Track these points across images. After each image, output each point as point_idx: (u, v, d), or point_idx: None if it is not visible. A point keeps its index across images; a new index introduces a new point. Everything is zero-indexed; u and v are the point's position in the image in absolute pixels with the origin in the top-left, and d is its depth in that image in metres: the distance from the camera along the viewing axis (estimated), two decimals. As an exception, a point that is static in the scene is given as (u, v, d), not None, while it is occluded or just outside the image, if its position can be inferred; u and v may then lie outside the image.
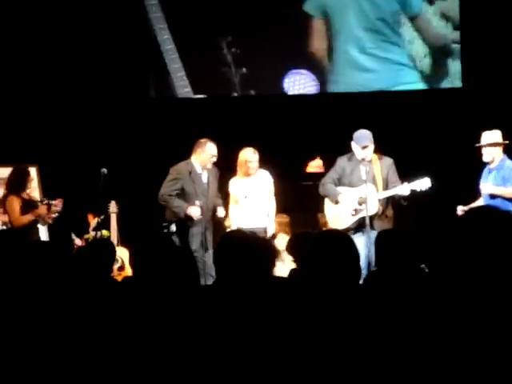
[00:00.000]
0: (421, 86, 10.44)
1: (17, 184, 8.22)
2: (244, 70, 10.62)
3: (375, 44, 10.43)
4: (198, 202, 7.85)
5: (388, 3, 10.41)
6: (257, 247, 3.60)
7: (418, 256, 4.35)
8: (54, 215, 8.27)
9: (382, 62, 10.45)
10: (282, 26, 10.50)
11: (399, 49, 10.42)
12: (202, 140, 8.11)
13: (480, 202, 7.77)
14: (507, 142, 7.84)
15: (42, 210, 8.14)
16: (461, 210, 7.54)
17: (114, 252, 4.88)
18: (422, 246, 4.32)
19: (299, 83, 10.67)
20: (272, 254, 3.69)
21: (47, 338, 3.42)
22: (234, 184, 8.39)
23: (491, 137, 7.80)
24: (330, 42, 10.56)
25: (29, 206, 8.17)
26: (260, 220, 8.25)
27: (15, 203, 8.07)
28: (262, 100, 10.54)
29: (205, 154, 8.07)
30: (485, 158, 7.81)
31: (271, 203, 8.39)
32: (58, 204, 8.22)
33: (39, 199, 8.69)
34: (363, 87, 10.46)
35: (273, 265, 3.81)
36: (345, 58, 10.50)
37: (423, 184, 7.56)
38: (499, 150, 7.82)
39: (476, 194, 7.92)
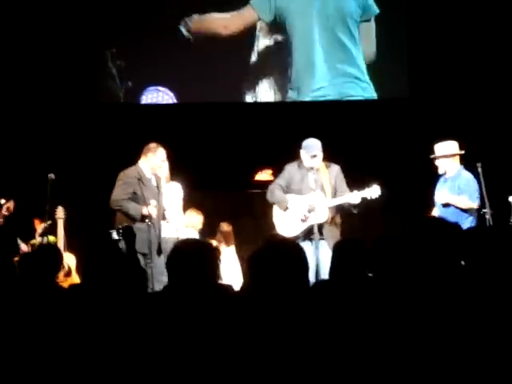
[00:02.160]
0: (371, 96, 10.50)
1: None
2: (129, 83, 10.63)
3: (332, 53, 10.48)
4: (153, 202, 7.77)
5: (349, 5, 10.47)
6: (207, 255, 3.59)
7: (367, 264, 4.37)
8: (2, 215, 8.15)
9: (335, 71, 10.50)
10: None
11: (353, 57, 10.47)
12: (152, 145, 8.05)
13: (434, 212, 7.79)
14: (462, 152, 7.81)
15: None
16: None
17: (59, 258, 4.81)
18: (371, 253, 4.33)
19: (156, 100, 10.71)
20: (217, 262, 3.70)
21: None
22: None
23: (444, 148, 7.78)
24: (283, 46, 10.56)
25: None
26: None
27: None
28: (213, 108, 10.52)
29: (156, 159, 8.02)
30: (439, 170, 7.81)
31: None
32: (7, 204, 8.11)
33: None
34: (315, 97, 10.49)
35: (218, 272, 3.80)
36: (301, 65, 10.52)
37: (373, 192, 7.58)
38: (454, 160, 7.78)
39: (428, 202, 7.92)
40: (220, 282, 3.72)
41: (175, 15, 10.59)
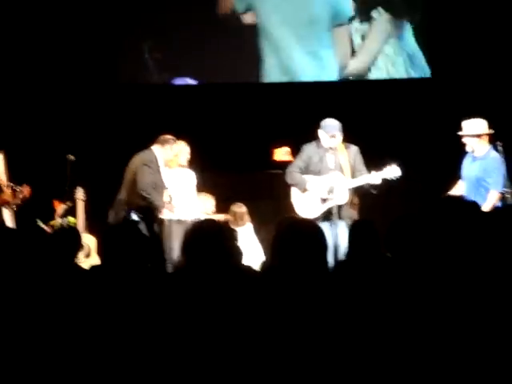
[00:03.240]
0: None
1: None
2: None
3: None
4: (167, 195, 7.82)
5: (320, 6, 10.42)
6: (225, 236, 3.60)
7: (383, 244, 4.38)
8: (19, 201, 8.18)
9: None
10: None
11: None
12: (170, 137, 8.10)
13: (461, 187, 7.67)
14: (491, 131, 7.62)
15: (7, 194, 8.06)
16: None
17: (78, 240, 4.84)
18: (390, 234, 4.33)
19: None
20: (233, 242, 3.71)
21: (13, 327, 3.39)
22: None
23: (472, 127, 7.59)
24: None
25: None
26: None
27: None
28: (230, 88, 10.50)
29: (171, 152, 8.10)
30: (467, 148, 7.67)
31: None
32: (23, 190, 8.13)
33: (5, 184, 8.59)
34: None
35: (235, 252, 3.81)
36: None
37: (393, 172, 7.55)
38: (482, 139, 7.59)
39: (449, 182, 7.83)
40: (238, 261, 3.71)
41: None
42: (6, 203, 8.12)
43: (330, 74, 10.52)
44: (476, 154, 7.63)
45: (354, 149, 7.80)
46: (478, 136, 7.59)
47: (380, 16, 10.42)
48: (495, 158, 7.58)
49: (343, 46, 10.47)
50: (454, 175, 7.80)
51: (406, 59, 10.43)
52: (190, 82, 10.61)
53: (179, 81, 10.63)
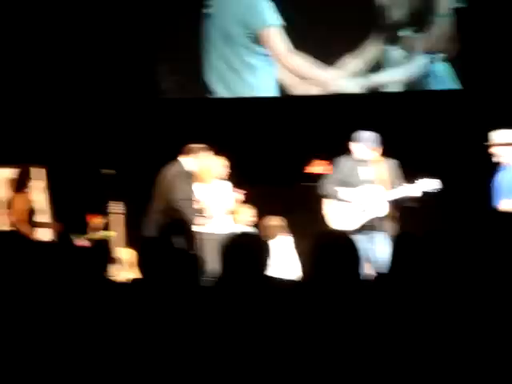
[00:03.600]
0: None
1: (18, 183, 8.30)
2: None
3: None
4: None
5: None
6: (256, 247, 3.61)
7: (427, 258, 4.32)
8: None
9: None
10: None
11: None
12: (196, 146, 8.09)
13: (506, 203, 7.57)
14: None
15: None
16: None
17: (108, 254, 4.87)
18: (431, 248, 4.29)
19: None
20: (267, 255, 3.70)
21: (47, 339, 3.41)
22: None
23: (502, 136, 7.42)
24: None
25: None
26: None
27: (20, 203, 8.14)
28: (260, 102, 10.53)
29: (199, 161, 8.05)
30: (495, 158, 7.57)
31: None
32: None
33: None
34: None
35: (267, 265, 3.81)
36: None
37: (432, 185, 7.49)
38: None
39: (485, 195, 7.73)
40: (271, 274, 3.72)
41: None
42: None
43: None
44: (507, 165, 7.52)
45: (393, 162, 7.75)
46: (508, 144, 7.50)
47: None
48: None
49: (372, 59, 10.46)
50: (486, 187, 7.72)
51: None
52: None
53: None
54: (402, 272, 4.39)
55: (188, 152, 8.06)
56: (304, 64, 10.49)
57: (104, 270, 4.33)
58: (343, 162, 7.82)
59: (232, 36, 10.56)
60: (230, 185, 8.49)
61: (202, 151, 8.06)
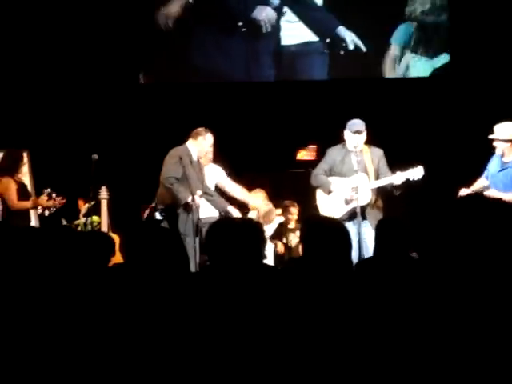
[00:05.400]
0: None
1: (10, 166, 8.20)
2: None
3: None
4: (199, 192, 7.78)
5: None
6: (249, 232, 3.57)
7: (410, 244, 4.35)
8: (51, 209, 8.26)
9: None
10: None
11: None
12: (202, 129, 8.09)
13: (480, 183, 7.63)
14: None
15: (43, 200, 8.15)
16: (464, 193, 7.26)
17: (113, 245, 4.90)
18: (414, 234, 4.31)
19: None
20: (262, 240, 3.65)
21: (42, 328, 3.39)
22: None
23: (505, 131, 7.45)
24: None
25: (25, 191, 8.18)
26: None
27: (11, 185, 8.06)
28: (252, 87, 10.52)
29: (205, 143, 8.05)
30: (497, 151, 7.53)
31: None
32: (58, 201, 8.20)
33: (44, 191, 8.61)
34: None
35: (262, 251, 3.77)
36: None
37: (416, 173, 7.50)
38: None
39: (469, 182, 7.76)
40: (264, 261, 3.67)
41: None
42: (37, 207, 8.22)
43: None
44: (505, 160, 7.54)
45: (378, 151, 7.78)
46: (510, 141, 7.49)
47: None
48: None
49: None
50: (478, 175, 7.75)
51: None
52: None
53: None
54: (384, 257, 4.42)
55: (193, 136, 8.06)
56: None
57: (108, 261, 4.33)
58: (334, 151, 7.85)
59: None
60: (220, 169, 8.49)
61: (206, 132, 8.05)
